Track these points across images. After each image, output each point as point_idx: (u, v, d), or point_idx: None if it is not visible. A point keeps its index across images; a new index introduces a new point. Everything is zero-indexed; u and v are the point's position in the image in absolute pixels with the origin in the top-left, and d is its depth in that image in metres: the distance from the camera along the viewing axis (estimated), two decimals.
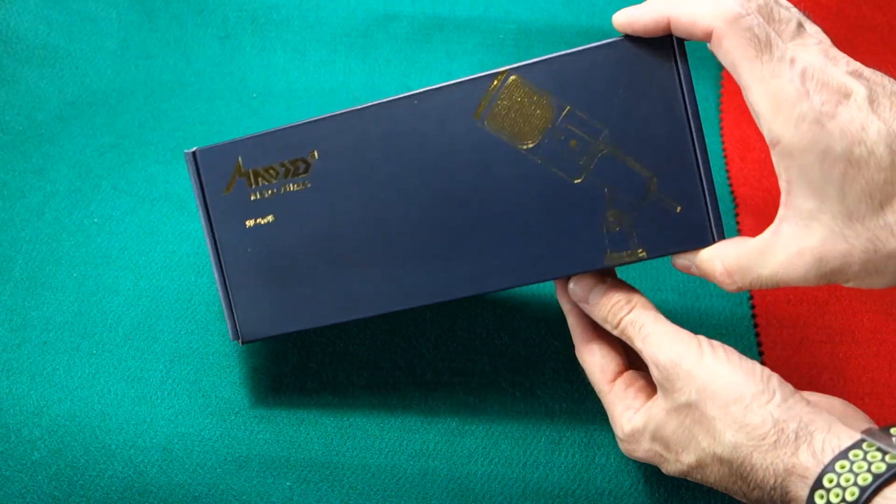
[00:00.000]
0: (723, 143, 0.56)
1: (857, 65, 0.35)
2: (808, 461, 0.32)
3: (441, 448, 0.43)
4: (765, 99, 0.32)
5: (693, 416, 0.35)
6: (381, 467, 0.42)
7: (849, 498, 0.30)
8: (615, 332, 0.38)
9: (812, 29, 0.35)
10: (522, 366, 0.45)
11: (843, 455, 0.31)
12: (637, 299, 0.38)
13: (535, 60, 0.34)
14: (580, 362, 0.40)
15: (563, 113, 0.34)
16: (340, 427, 0.43)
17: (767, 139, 0.33)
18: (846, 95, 0.32)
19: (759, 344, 0.47)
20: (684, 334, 0.36)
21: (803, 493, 0.32)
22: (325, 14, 0.60)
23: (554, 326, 0.47)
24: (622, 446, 0.39)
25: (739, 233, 0.52)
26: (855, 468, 0.31)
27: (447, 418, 0.44)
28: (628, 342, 0.37)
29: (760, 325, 0.48)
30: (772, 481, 0.33)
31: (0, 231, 0.50)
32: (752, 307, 0.49)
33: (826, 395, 0.37)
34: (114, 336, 0.46)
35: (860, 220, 0.31)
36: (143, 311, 0.47)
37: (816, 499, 0.31)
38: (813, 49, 0.33)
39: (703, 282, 0.50)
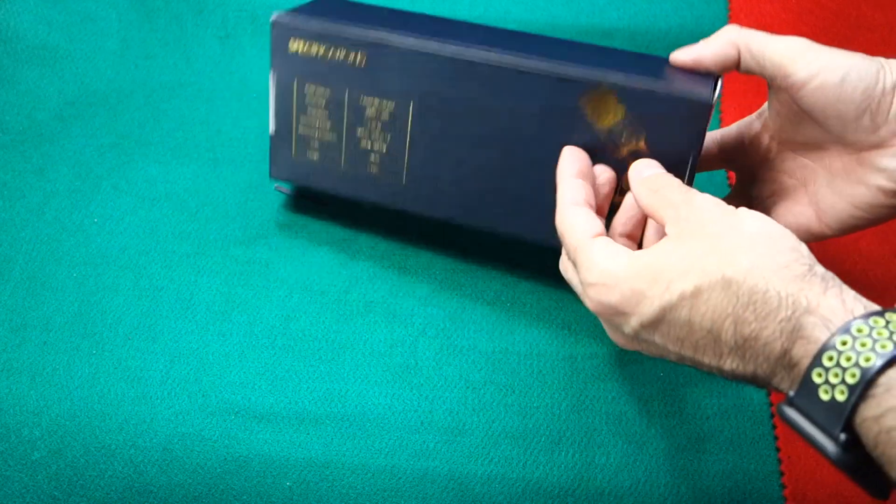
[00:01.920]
0: None
1: None
2: (836, 306, 0.29)
3: (441, 448, 0.43)
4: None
5: (708, 245, 0.31)
6: (381, 467, 0.42)
7: (864, 364, 0.27)
8: (646, 205, 0.36)
9: None
10: (522, 365, 0.45)
11: (866, 318, 0.28)
12: (667, 180, 0.37)
13: (634, 86, 0.39)
14: (559, 225, 0.37)
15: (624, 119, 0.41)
16: (340, 427, 0.43)
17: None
18: None
19: None
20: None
21: (822, 335, 0.28)
22: None
23: (554, 326, 0.47)
24: (588, 292, 0.34)
25: None
26: (875, 334, 0.28)
27: (447, 418, 0.44)
28: (656, 208, 0.35)
29: None
30: (786, 313, 0.29)
31: (0, 231, 0.50)
32: None
33: None
34: (114, 336, 0.46)
35: None
36: (143, 311, 0.47)
37: (825, 361, 0.28)
38: None
39: None
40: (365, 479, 0.42)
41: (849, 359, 0.28)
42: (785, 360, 0.29)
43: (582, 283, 0.35)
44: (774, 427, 0.44)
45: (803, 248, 0.31)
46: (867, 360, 0.27)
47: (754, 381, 0.31)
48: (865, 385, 0.27)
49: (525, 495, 0.42)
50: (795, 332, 0.29)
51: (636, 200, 0.37)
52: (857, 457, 0.28)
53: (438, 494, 0.42)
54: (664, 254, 0.32)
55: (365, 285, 0.48)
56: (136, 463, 0.42)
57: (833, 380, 0.28)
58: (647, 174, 0.37)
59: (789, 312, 0.29)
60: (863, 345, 0.27)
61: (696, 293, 0.31)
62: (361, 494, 0.42)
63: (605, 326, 0.37)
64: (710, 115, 0.38)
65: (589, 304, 0.35)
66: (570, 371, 0.45)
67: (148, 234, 0.50)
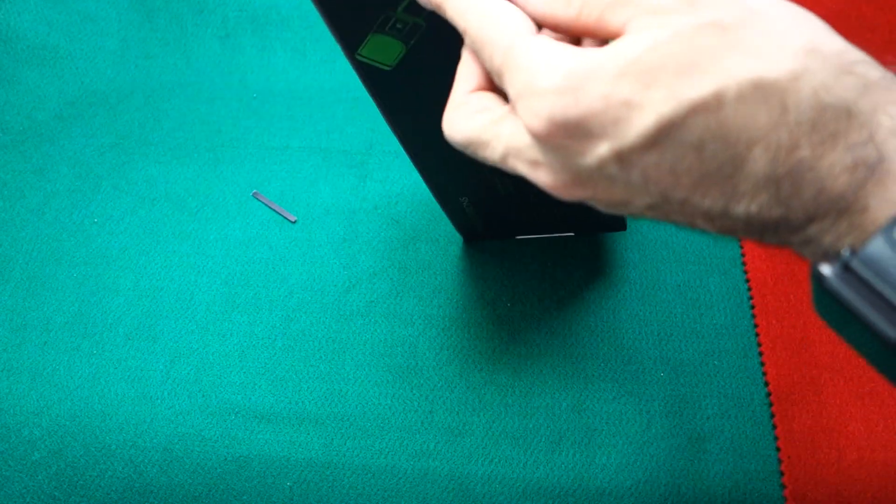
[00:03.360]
0: None
1: None
2: None
3: (441, 448, 0.43)
4: None
5: (727, 37, 0.21)
6: (381, 467, 0.42)
7: None
8: (570, 21, 0.24)
9: None
10: (523, 365, 0.45)
11: None
12: None
13: None
14: (474, 26, 0.26)
15: None
16: (340, 427, 0.43)
17: None
18: None
19: (759, 344, 0.47)
20: None
21: None
22: None
23: (554, 326, 0.47)
24: (532, 103, 0.23)
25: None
26: None
27: (447, 418, 0.44)
28: (594, 18, 0.24)
29: (760, 326, 0.48)
30: (859, 135, 0.20)
31: (0, 231, 0.50)
32: (752, 307, 0.49)
33: None
34: (114, 336, 0.46)
35: None
36: (143, 311, 0.47)
37: None
38: None
39: (703, 282, 0.50)
40: (365, 478, 0.42)
41: None
42: (844, 202, 0.21)
43: (519, 94, 0.24)
44: (774, 427, 0.44)
45: (849, 43, 0.23)
46: None
47: (774, 229, 0.22)
48: None
49: (525, 495, 0.42)
50: (874, 163, 0.20)
51: (538, 12, 0.25)
52: None
53: (439, 494, 0.42)
54: (650, 42, 0.22)
55: (365, 286, 0.48)
56: (137, 463, 0.42)
57: None
58: None
59: (865, 134, 0.20)
60: None
61: (717, 100, 0.21)
62: (362, 494, 0.42)
63: (545, 163, 0.25)
64: None
65: (533, 122, 0.23)
66: (570, 371, 0.45)
67: (148, 234, 0.50)
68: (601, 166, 0.23)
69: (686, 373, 0.46)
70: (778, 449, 0.43)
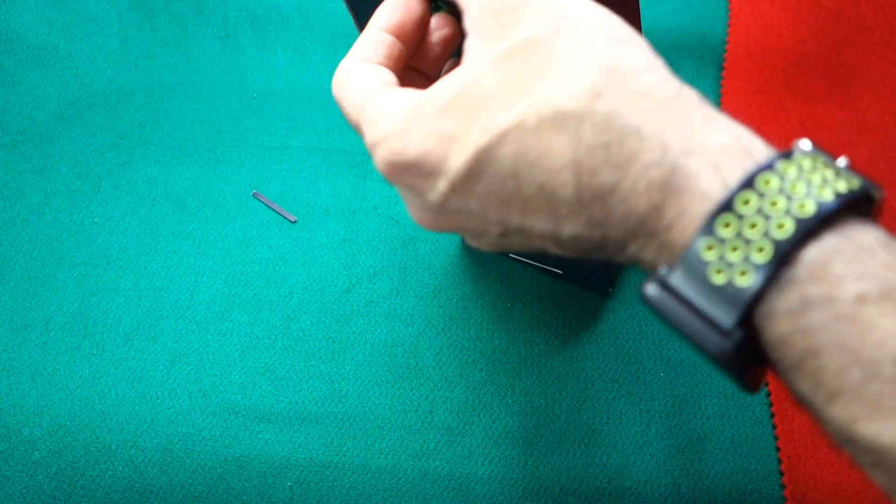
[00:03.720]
0: None
1: None
2: (728, 144, 0.21)
3: (441, 448, 0.43)
4: None
5: (536, 59, 0.22)
6: (381, 467, 0.42)
7: (776, 233, 0.19)
8: None
9: None
10: (522, 366, 0.45)
11: (771, 165, 0.20)
12: None
13: None
14: (337, 87, 0.27)
15: None
16: (340, 427, 0.43)
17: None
18: None
19: None
20: None
21: (713, 188, 0.20)
22: (325, 14, 0.60)
23: (554, 326, 0.47)
24: (378, 151, 0.25)
25: None
26: (806, 177, 0.20)
27: (447, 418, 0.44)
28: None
29: None
30: (652, 156, 0.21)
31: (0, 231, 0.50)
32: None
33: None
34: (114, 336, 0.46)
35: None
36: (143, 312, 0.47)
37: (719, 228, 0.20)
38: None
39: None
40: (365, 479, 0.42)
41: (754, 226, 0.20)
42: (650, 221, 0.21)
43: (369, 147, 0.25)
44: (774, 427, 0.44)
45: (652, 49, 0.23)
46: (780, 227, 0.20)
47: (602, 249, 0.23)
48: (779, 263, 0.19)
49: (525, 495, 0.42)
50: (669, 182, 0.21)
51: None
52: (741, 353, 0.20)
53: (439, 494, 0.42)
54: (474, 72, 0.23)
55: (365, 286, 0.48)
56: (137, 463, 0.42)
57: (731, 256, 0.20)
58: None
59: (657, 155, 0.21)
60: (773, 204, 0.20)
61: (521, 129, 0.22)
62: (362, 494, 0.42)
63: (407, 202, 0.27)
64: None
65: (379, 167, 0.25)
66: (570, 371, 0.45)
67: (148, 234, 0.50)
68: (444, 201, 0.24)
69: (686, 373, 0.46)
70: (778, 449, 0.43)
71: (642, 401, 0.44)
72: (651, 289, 0.22)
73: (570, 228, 0.23)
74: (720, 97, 0.58)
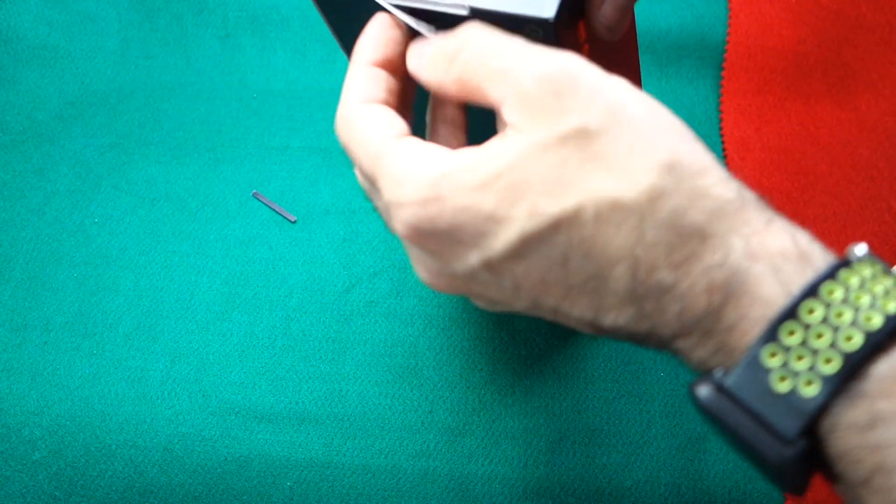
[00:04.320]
0: (723, 143, 0.56)
1: None
2: (789, 250, 0.21)
3: (441, 448, 0.43)
4: None
5: (592, 149, 0.21)
6: (381, 467, 0.42)
7: (845, 345, 0.19)
8: (453, 87, 0.24)
9: None
10: (522, 365, 0.45)
11: (833, 274, 0.20)
12: (475, 33, 0.24)
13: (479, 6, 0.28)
14: (343, 130, 0.26)
15: None
16: (340, 427, 0.43)
17: None
18: None
19: None
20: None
21: (776, 295, 0.20)
22: None
23: (554, 326, 0.47)
24: (401, 214, 0.23)
25: None
26: (865, 286, 0.20)
27: (447, 418, 0.44)
28: (475, 85, 0.23)
29: None
30: (714, 257, 0.21)
31: (0, 231, 0.50)
32: None
33: None
34: (114, 336, 0.46)
35: None
36: (143, 311, 0.47)
37: (783, 335, 0.20)
38: None
39: None
40: (365, 479, 0.42)
41: (821, 336, 0.20)
42: (707, 322, 0.21)
43: (388, 204, 0.24)
44: None
45: (709, 152, 0.23)
46: (849, 339, 0.19)
47: (643, 341, 0.23)
48: (847, 375, 0.19)
49: (525, 495, 0.42)
50: (730, 284, 0.21)
51: (421, 78, 0.25)
52: (802, 463, 0.20)
53: (439, 494, 0.42)
54: (521, 156, 0.22)
55: (365, 285, 0.48)
56: (137, 463, 0.42)
57: (797, 365, 0.20)
58: (436, 44, 0.25)
59: (720, 256, 0.21)
60: (839, 315, 0.20)
61: (578, 220, 0.21)
62: (362, 494, 0.42)
63: (420, 263, 0.25)
64: (555, 32, 0.27)
65: (400, 230, 0.23)
66: (570, 371, 0.45)
67: (148, 234, 0.50)
68: (472, 273, 0.23)
69: (686, 372, 0.46)
70: None
71: (642, 401, 0.44)
72: (704, 391, 0.21)
73: (612, 319, 0.22)
74: (720, 97, 0.58)
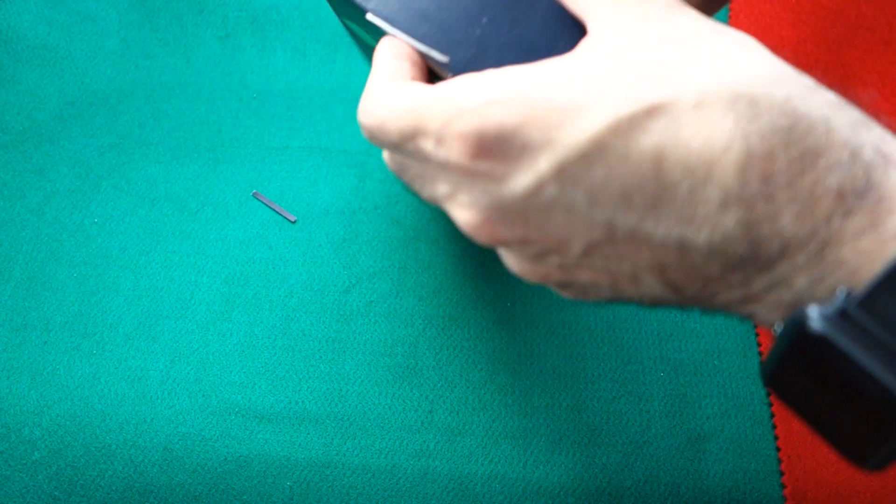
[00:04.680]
0: None
1: None
2: None
3: (441, 448, 0.43)
4: None
5: (696, 47, 0.19)
6: (381, 467, 0.42)
7: None
8: None
9: None
10: (523, 365, 0.45)
11: None
12: None
13: None
14: (374, 108, 0.23)
15: None
16: (340, 427, 0.43)
17: None
18: None
19: (759, 344, 0.47)
20: None
21: None
22: (325, 14, 0.60)
23: (554, 326, 0.47)
24: (456, 124, 0.19)
25: None
26: None
27: (447, 418, 0.44)
28: None
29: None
30: (841, 153, 0.17)
31: (0, 231, 0.50)
32: None
33: None
34: (114, 336, 0.46)
35: None
36: (143, 311, 0.47)
37: None
38: None
39: None
40: (365, 478, 0.42)
41: None
42: (828, 230, 0.17)
43: (448, 120, 0.20)
44: (774, 427, 0.44)
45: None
46: None
47: (737, 268, 0.19)
48: None
49: (525, 495, 0.42)
50: (862, 184, 0.17)
51: None
52: None
53: (439, 494, 0.42)
54: (613, 49, 0.19)
55: (365, 285, 0.48)
56: (137, 463, 0.42)
57: None
58: None
59: (847, 153, 0.17)
60: None
61: (678, 106, 0.18)
62: (362, 494, 0.42)
63: (466, 201, 0.21)
64: None
65: (459, 143, 0.19)
66: (570, 371, 0.45)
67: (148, 234, 0.50)
68: (538, 188, 0.19)
69: (686, 372, 0.46)
70: (778, 449, 0.43)
71: (642, 401, 0.44)
72: (821, 323, 0.17)
73: (708, 233, 0.18)
74: None
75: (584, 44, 0.20)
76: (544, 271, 0.21)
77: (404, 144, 0.21)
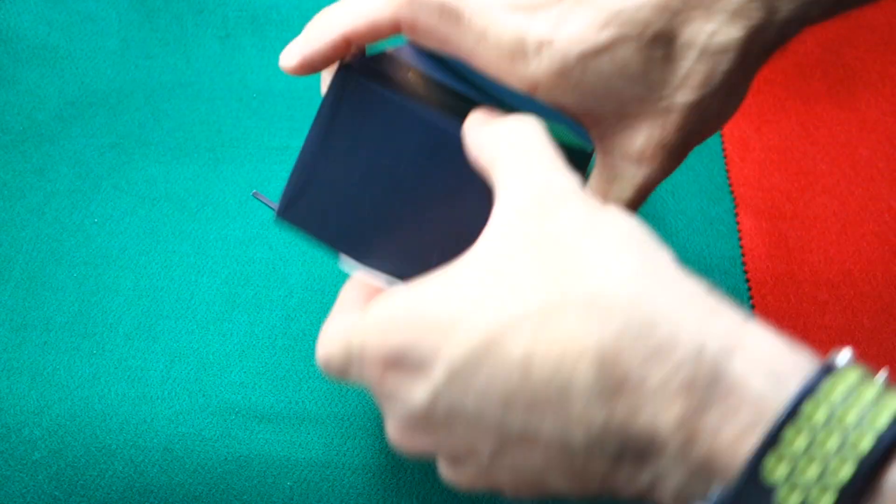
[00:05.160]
0: (723, 143, 0.56)
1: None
2: (774, 348, 0.19)
3: None
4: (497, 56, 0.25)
5: (559, 250, 0.21)
6: (382, 466, 0.42)
7: (854, 449, 0.17)
8: (498, 143, 0.24)
9: None
10: None
11: (819, 379, 0.18)
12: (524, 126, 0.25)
13: None
14: (320, 350, 0.26)
15: None
16: (340, 427, 0.43)
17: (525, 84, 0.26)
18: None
19: None
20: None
21: (772, 394, 0.18)
22: None
23: None
24: (367, 348, 0.22)
25: (739, 233, 0.52)
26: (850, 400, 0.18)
27: None
28: (505, 158, 0.24)
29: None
30: (686, 351, 0.19)
31: (0, 231, 0.50)
32: (752, 307, 0.49)
33: None
34: (114, 336, 0.46)
35: None
36: (143, 311, 0.47)
37: (787, 440, 0.17)
38: None
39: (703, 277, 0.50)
40: (366, 478, 0.42)
41: (827, 438, 0.17)
42: (686, 430, 0.19)
43: (361, 346, 0.23)
44: None
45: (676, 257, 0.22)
46: (858, 441, 0.17)
47: (619, 461, 0.20)
48: (862, 482, 0.17)
49: None
50: (709, 385, 0.18)
51: (466, 141, 0.26)
52: None
53: (439, 494, 0.42)
54: (495, 253, 0.21)
55: None
56: (137, 463, 0.42)
57: (804, 476, 0.17)
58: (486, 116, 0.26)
59: (693, 347, 0.19)
60: (843, 416, 0.17)
61: (543, 314, 0.20)
62: (362, 494, 0.42)
63: (387, 414, 0.24)
64: None
65: (368, 370, 0.23)
66: None
67: (148, 234, 0.50)
68: (435, 398, 0.21)
69: None
70: None
71: None
72: None
73: (583, 432, 0.20)
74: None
75: (474, 248, 0.22)
76: (468, 478, 0.23)
77: (347, 374, 0.24)
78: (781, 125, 0.58)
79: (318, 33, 0.29)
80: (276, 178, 0.53)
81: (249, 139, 0.55)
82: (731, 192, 0.54)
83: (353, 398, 0.44)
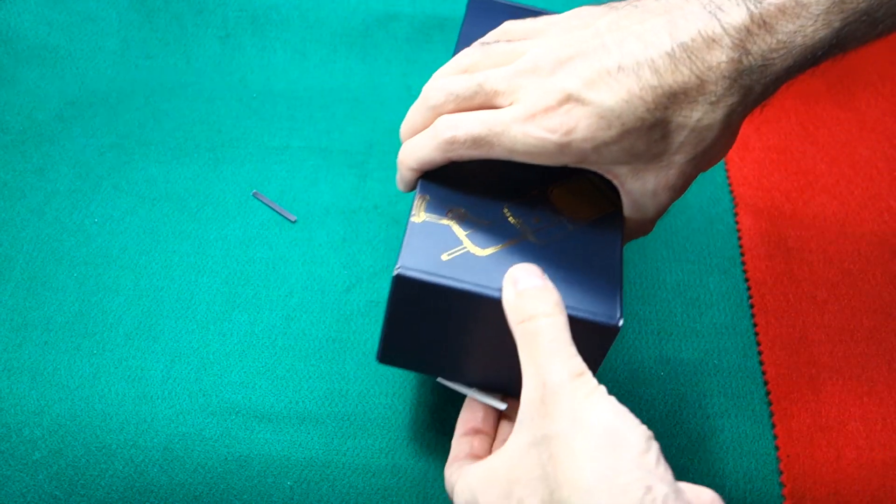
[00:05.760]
0: None
1: None
2: None
3: (442, 448, 0.43)
4: None
5: (556, 450, 0.30)
6: (382, 467, 0.42)
7: None
8: (518, 326, 0.32)
9: None
10: None
11: None
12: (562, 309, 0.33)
13: None
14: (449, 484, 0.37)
15: None
16: (340, 426, 0.43)
17: None
18: None
19: (759, 343, 0.48)
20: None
21: None
22: (325, 14, 0.60)
23: None
24: None
25: (739, 233, 0.52)
26: None
27: (448, 418, 0.44)
28: (522, 344, 0.32)
29: (759, 325, 0.48)
30: None
31: (0, 231, 0.50)
32: (752, 306, 0.49)
33: (697, 487, 0.34)
34: (114, 336, 0.46)
35: None
36: (143, 311, 0.47)
37: None
38: None
39: (703, 281, 0.50)
40: (366, 478, 0.42)
41: None
42: None
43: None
44: (773, 426, 0.44)
45: (653, 450, 0.31)
46: None
47: None
48: None
49: None
50: None
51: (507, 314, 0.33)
52: None
53: (439, 493, 0.42)
54: (509, 457, 0.31)
55: (365, 285, 0.48)
56: (137, 462, 0.42)
57: None
58: (525, 285, 0.33)
59: None
60: None
61: None
62: (362, 494, 0.42)
63: None
64: (615, 335, 0.36)
65: None
66: None
67: (148, 234, 0.50)
68: None
69: (686, 372, 0.46)
70: (777, 448, 0.44)
71: (642, 401, 0.45)
72: None
73: None
74: None
75: (504, 447, 0.32)
76: None
77: None
78: (781, 125, 0.58)
79: (405, 171, 0.38)
80: (276, 178, 0.53)
81: (249, 139, 0.55)
82: (731, 192, 0.54)
83: (353, 398, 0.44)
